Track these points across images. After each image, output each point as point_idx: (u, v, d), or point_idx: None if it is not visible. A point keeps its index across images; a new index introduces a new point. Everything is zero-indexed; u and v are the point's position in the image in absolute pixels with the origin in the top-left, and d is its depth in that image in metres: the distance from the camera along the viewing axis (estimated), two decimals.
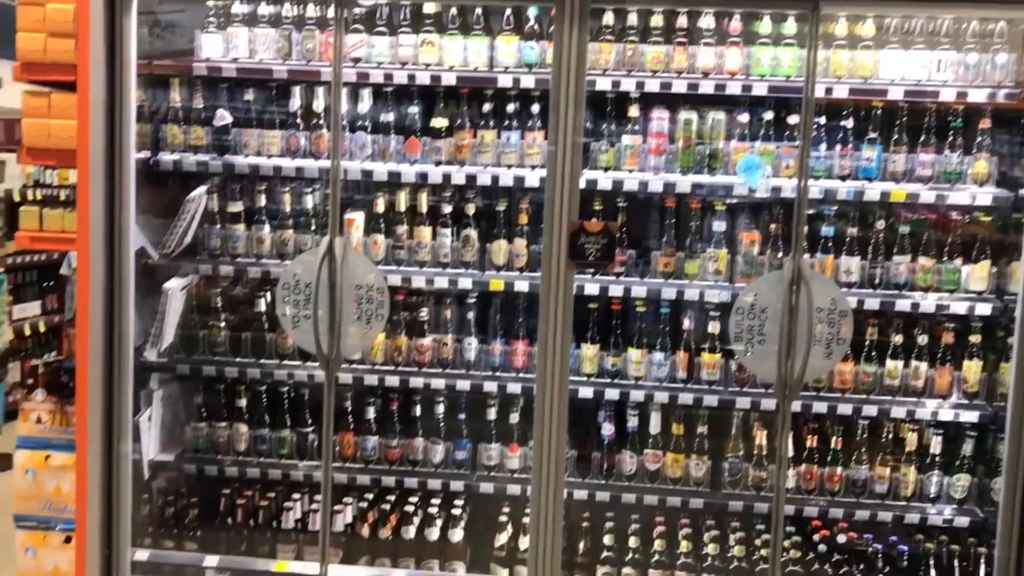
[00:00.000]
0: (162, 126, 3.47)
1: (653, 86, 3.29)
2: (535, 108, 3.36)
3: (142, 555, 3.21)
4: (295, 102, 3.49)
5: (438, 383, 3.40)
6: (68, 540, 3.30)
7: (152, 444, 3.38)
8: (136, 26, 3.06)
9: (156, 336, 3.36)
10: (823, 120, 3.37)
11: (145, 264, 3.27)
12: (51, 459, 3.34)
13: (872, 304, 3.31)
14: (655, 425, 3.39)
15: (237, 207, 3.53)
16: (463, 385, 3.39)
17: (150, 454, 3.36)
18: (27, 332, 6.92)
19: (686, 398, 3.34)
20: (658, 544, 3.36)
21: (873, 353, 3.37)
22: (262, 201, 3.55)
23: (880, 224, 3.40)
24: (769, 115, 3.38)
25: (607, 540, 3.38)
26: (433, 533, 3.39)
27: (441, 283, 3.39)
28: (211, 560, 3.25)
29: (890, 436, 3.39)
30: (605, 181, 3.30)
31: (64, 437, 3.31)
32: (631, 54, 3.32)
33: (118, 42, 3.02)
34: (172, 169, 3.43)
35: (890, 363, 3.36)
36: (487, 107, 3.41)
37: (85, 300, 3.05)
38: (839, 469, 3.36)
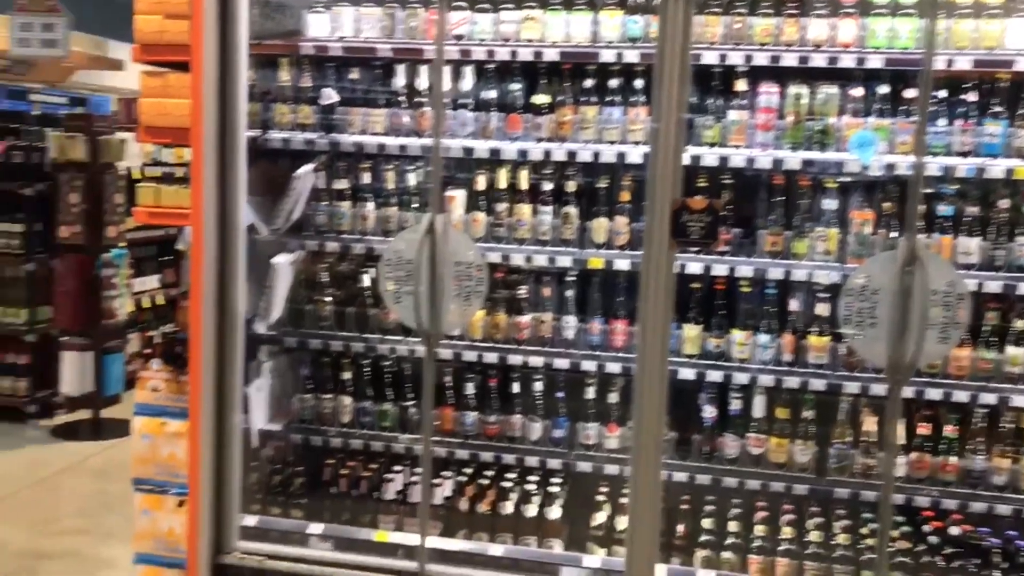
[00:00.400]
0: (271, 105, 3.55)
1: (761, 60, 3.19)
2: (638, 83, 3.30)
3: (250, 521, 3.32)
4: (399, 80, 3.53)
5: (536, 361, 3.40)
6: (181, 504, 3.44)
7: (261, 414, 3.48)
8: (247, 7, 3.13)
9: (265, 309, 3.46)
10: (942, 94, 3.20)
11: (254, 240, 3.36)
12: (166, 426, 3.48)
13: (993, 287, 3.15)
14: (759, 409, 3.31)
15: (342, 184, 3.60)
16: (561, 363, 3.39)
17: (259, 424, 3.46)
18: (146, 304, 7.26)
19: (792, 382, 3.25)
20: (759, 529, 3.29)
21: (993, 339, 3.21)
22: (366, 179, 3.60)
23: (1003, 203, 3.22)
24: (884, 89, 3.23)
25: (706, 524, 3.33)
26: (530, 510, 3.40)
27: (540, 261, 3.39)
28: (315, 528, 3.34)
29: (1010, 426, 3.22)
30: (710, 158, 3.22)
31: (178, 405, 3.43)
32: (739, 26, 3.22)
33: (230, 23, 3.09)
34: (280, 147, 3.52)
35: (1012, 350, 3.19)
36: (589, 83, 3.37)
37: (198, 274, 3.15)
38: (953, 458, 3.21)
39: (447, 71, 3.39)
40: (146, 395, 3.53)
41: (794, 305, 3.33)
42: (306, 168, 3.54)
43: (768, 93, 3.28)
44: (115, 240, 6.51)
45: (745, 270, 3.26)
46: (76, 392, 6.34)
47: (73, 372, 6.27)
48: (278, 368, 3.63)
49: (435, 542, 3.22)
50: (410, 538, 3.25)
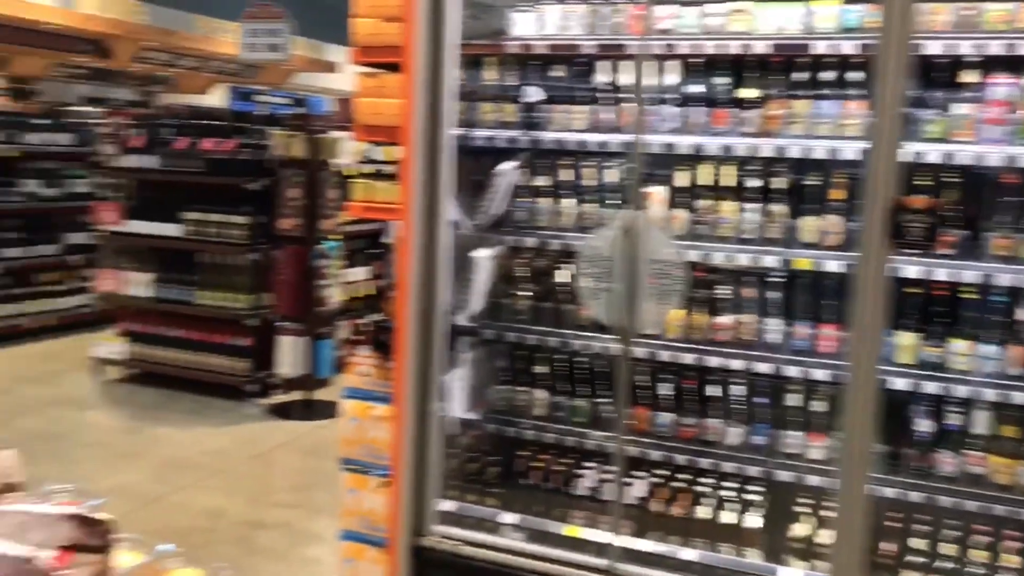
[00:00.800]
0: (475, 104, 3.65)
1: (995, 49, 2.94)
2: (852, 76, 3.13)
3: (448, 506, 3.43)
4: (600, 77, 3.52)
5: (736, 364, 3.30)
6: (383, 485, 3.60)
7: (458, 403, 3.58)
8: (457, 9, 3.23)
9: (464, 302, 3.56)
10: None
11: (457, 234, 3.46)
12: (372, 409, 3.66)
13: None
14: (980, 424, 3.06)
15: (542, 181, 3.64)
16: (763, 368, 3.27)
17: (456, 412, 3.57)
18: (356, 294, 7.68)
19: (1020, 397, 2.98)
20: (976, 555, 3.04)
21: None
22: (566, 175, 3.62)
23: None
24: None
25: (916, 544, 3.12)
26: (726, 516, 3.31)
27: (742, 260, 3.28)
28: (507, 517, 3.41)
29: None
30: (932, 154, 3.00)
31: (383, 390, 3.60)
32: (969, 13, 2.98)
33: (441, 25, 3.20)
34: (483, 145, 3.60)
35: None
36: (800, 76, 3.23)
37: (405, 266, 3.29)
38: None
39: (650, 66, 3.35)
40: (354, 379, 3.71)
41: None
42: (507, 165, 3.61)
43: (1001, 85, 3.02)
44: (328, 233, 6.90)
45: (969, 275, 3.02)
46: (291, 374, 6.78)
47: (289, 355, 6.71)
48: (476, 359, 3.73)
49: (626, 541, 3.21)
50: (600, 535, 3.26)
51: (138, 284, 7.34)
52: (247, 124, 7.52)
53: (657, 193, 3.45)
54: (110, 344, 7.56)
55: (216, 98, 15.90)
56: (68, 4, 13.57)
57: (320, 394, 6.85)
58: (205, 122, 7.53)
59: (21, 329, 8.54)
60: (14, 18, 12.88)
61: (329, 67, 16.25)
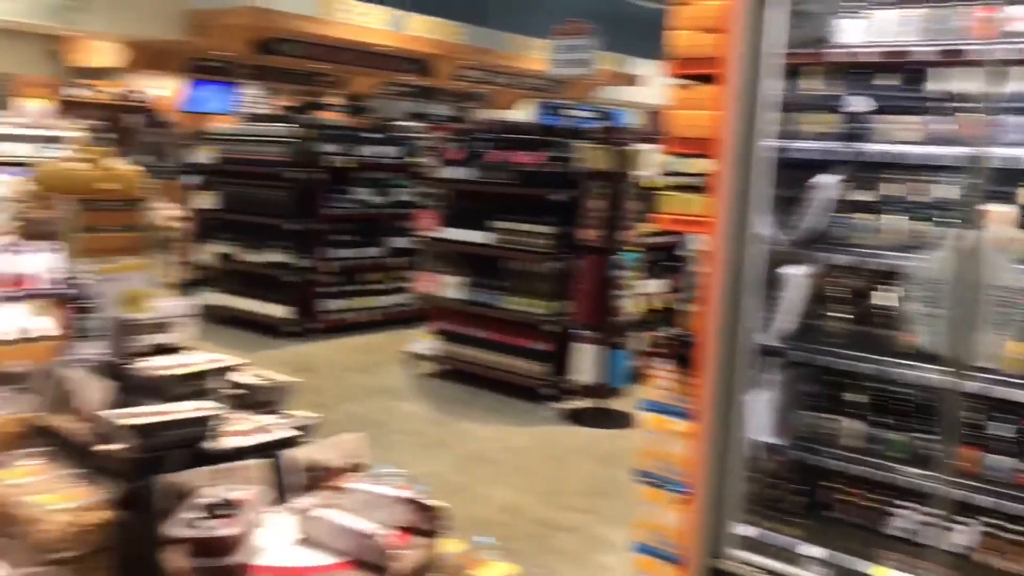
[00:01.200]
0: (790, 115, 3.51)
1: None
2: None
3: (748, 531, 3.32)
4: (933, 85, 3.26)
5: None
6: (678, 502, 3.56)
7: (762, 426, 3.46)
8: (778, 18, 3.13)
9: (768, 320, 3.44)
10: None
11: (767, 250, 3.34)
12: (670, 424, 3.63)
13: None
14: None
15: (864, 196, 3.42)
16: None
17: (759, 435, 3.45)
18: (652, 306, 7.69)
19: None
20: None
21: None
22: (890, 190, 3.39)
23: None
24: None
25: None
26: None
27: None
28: (809, 549, 3.24)
29: None
30: None
31: (683, 406, 3.56)
32: None
33: (760, 35, 3.12)
34: (798, 157, 3.46)
35: None
36: None
37: (711, 281, 3.24)
38: None
39: (995, 72, 3.04)
40: (653, 392, 3.71)
41: None
42: (826, 178, 3.43)
43: None
44: (627, 244, 6.98)
45: None
46: (587, 381, 6.91)
47: (585, 362, 6.85)
48: (781, 381, 3.58)
49: None
50: None
51: (451, 287, 7.85)
52: (554, 137, 7.77)
53: (999, 212, 3.12)
54: (423, 341, 8.15)
55: (523, 112, 16.68)
56: (398, 27, 14.90)
57: (613, 403, 6.93)
58: (516, 136, 7.89)
59: (347, 322, 9.48)
60: (353, 41, 14.40)
61: (630, 80, 16.50)
